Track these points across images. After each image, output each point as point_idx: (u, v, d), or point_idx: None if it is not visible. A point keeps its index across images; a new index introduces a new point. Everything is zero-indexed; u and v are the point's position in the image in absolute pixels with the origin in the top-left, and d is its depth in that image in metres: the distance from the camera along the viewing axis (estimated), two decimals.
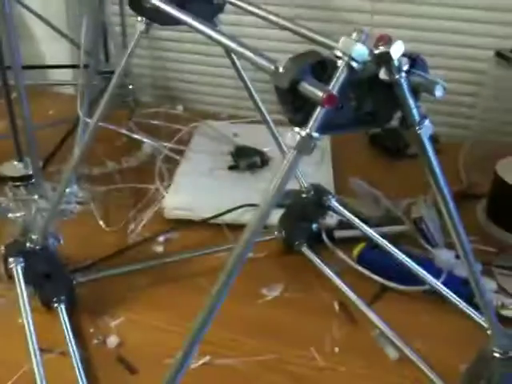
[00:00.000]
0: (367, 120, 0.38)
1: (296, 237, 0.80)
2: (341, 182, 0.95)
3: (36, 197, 0.66)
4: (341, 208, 0.78)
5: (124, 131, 0.89)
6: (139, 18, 0.59)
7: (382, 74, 0.35)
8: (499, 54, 0.94)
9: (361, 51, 0.33)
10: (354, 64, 0.33)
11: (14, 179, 0.66)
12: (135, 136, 0.91)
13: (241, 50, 0.41)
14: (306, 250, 0.79)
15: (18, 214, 0.65)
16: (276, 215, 0.83)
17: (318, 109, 0.34)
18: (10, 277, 0.63)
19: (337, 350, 0.64)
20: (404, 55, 0.35)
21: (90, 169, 0.96)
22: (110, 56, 1.10)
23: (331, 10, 1.17)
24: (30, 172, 0.66)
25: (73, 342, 0.62)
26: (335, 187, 0.94)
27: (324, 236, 0.81)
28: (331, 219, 0.84)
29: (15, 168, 0.66)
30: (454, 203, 0.45)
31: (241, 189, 0.92)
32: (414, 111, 0.38)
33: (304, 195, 0.79)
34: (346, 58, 0.33)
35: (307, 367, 0.62)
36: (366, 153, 1.12)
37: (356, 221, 0.75)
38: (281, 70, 0.35)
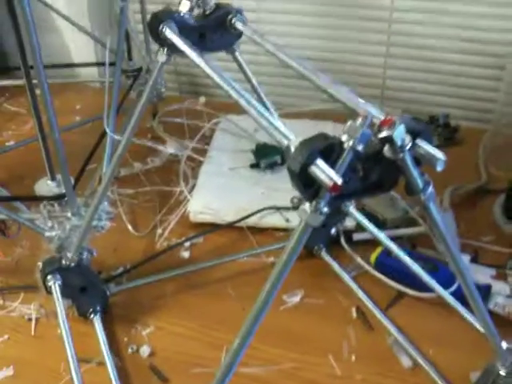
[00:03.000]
0: (373, 187, 0.41)
1: (315, 241, 0.83)
2: None
3: (69, 214, 0.70)
4: (356, 214, 0.81)
5: (148, 143, 0.92)
6: (161, 49, 0.61)
7: (387, 151, 0.38)
8: None
9: (365, 136, 0.36)
10: (359, 147, 0.36)
11: (48, 198, 0.71)
12: (159, 147, 0.95)
13: (257, 116, 0.44)
14: (324, 254, 0.83)
15: (53, 233, 0.69)
16: (295, 218, 0.86)
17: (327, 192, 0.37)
18: (49, 292, 0.68)
19: (353, 357, 0.68)
20: (408, 130, 0.37)
21: (118, 170, 1.00)
22: (133, 54, 1.12)
23: (349, 7, 1.17)
24: (63, 191, 0.70)
25: (109, 353, 0.67)
26: None
27: (342, 240, 0.84)
28: (350, 221, 0.87)
29: (48, 187, 0.71)
30: (462, 260, 0.47)
31: (262, 189, 0.95)
32: (418, 180, 0.40)
33: None
34: (351, 143, 0.36)
35: (325, 375, 0.67)
36: None
37: (371, 227, 0.78)
38: (292, 149, 0.38)
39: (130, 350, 0.70)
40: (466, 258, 0.79)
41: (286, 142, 0.40)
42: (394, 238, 0.79)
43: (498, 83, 1.15)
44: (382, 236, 0.76)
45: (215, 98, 1.25)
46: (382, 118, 0.37)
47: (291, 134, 0.41)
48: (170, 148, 1.04)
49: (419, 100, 1.23)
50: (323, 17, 1.20)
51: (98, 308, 0.72)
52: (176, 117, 1.12)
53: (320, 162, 0.37)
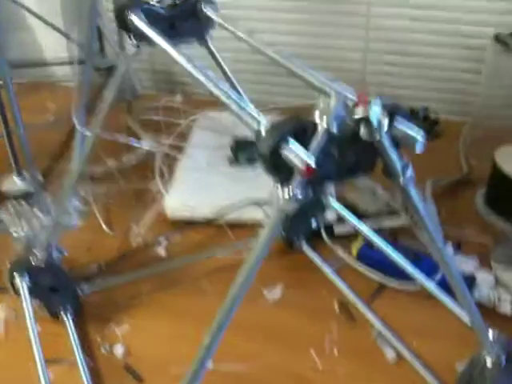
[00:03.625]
0: (350, 170, 0.39)
1: (295, 235, 0.81)
2: None
3: (38, 212, 0.67)
4: (337, 205, 0.79)
5: (122, 138, 0.90)
6: (129, 39, 0.59)
7: (363, 133, 0.36)
8: (498, 39, 0.92)
9: (338, 116, 0.34)
10: (333, 129, 0.34)
11: (15, 195, 0.68)
12: (135, 144, 0.92)
13: (227, 101, 0.42)
14: (305, 248, 0.81)
15: (21, 232, 0.66)
16: None
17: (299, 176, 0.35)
18: (17, 292, 0.65)
19: (336, 351, 0.66)
20: (385, 111, 0.35)
21: (91, 168, 0.97)
22: (106, 52, 1.10)
23: (326, 3, 1.16)
24: (31, 188, 0.67)
25: (80, 353, 0.64)
26: None
27: (323, 233, 0.82)
28: (331, 214, 0.85)
29: (15, 184, 0.68)
30: (446, 249, 0.45)
31: (241, 184, 0.92)
32: (397, 163, 0.38)
33: None
34: (324, 125, 0.34)
35: (307, 370, 0.64)
36: None
37: (351, 219, 0.76)
38: (263, 132, 0.36)
39: (103, 350, 0.67)
40: (448, 249, 0.78)
41: (256, 126, 0.38)
42: (375, 230, 0.78)
43: (478, 76, 1.15)
44: (363, 227, 0.74)
45: (192, 96, 1.22)
46: (356, 97, 0.35)
47: (263, 118, 0.39)
48: (145, 145, 1.01)
49: (399, 94, 1.22)
50: (300, 13, 1.18)
51: (70, 308, 0.69)
52: (152, 114, 1.10)
53: (292, 144, 0.35)
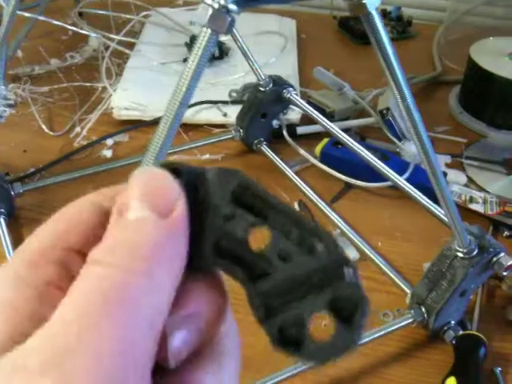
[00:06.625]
0: None
1: (255, 135, 0.74)
2: (307, 72, 0.89)
3: None
4: (302, 102, 0.72)
5: (67, 25, 0.80)
6: None
7: None
8: None
9: None
10: None
11: None
12: (75, 29, 0.82)
13: None
14: (265, 148, 0.74)
15: None
16: (234, 113, 0.77)
17: None
18: None
19: None
20: None
21: (32, 67, 0.88)
22: None
23: None
24: None
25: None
26: (300, 78, 0.88)
27: (285, 133, 0.75)
28: (294, 114, 0.78)
29: None
30: (409, 91, 0.39)
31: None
32: None
33: (262, 89, 0.72)
34: None
35: None
36: (335, 39, 1.04)
37: (318, 115, 0.69)
38: None
39: None
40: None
41: None
42: (342, 130, 0.72)
43: None
44: (327, 124, 0.68)
45: None
46: None
47: None
48: (92, 41, 0.91)
49: None
50: None
51: (2, 210, 0.62)
52: (100, 9, 0.99)
53: None
